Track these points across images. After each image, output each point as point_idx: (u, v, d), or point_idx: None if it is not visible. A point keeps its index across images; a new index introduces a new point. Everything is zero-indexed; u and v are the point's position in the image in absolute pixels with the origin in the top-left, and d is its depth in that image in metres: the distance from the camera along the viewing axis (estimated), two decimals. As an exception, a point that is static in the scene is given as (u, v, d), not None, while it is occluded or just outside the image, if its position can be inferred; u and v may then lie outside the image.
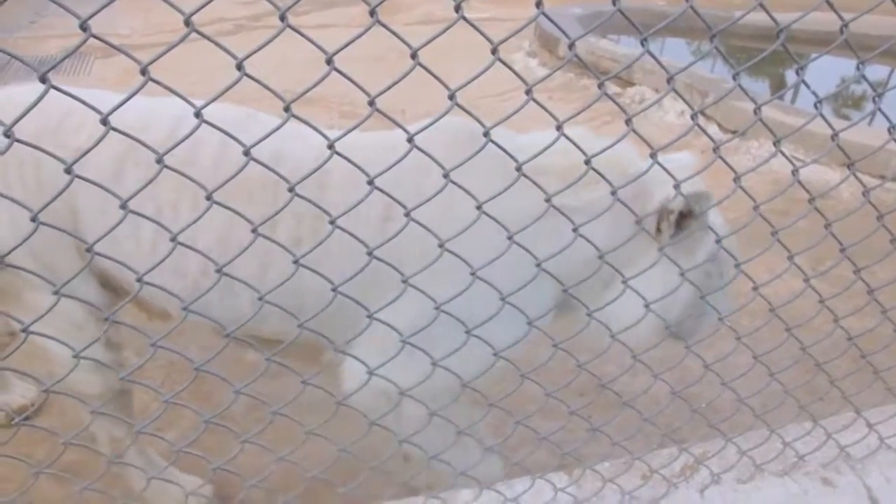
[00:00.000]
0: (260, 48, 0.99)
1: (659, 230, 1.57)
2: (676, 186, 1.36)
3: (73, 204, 1.60)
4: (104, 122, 0.95)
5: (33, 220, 0.96)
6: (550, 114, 1.22)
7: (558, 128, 1.24)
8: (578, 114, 1.29)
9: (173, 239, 1.06)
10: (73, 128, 1.58)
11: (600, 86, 1.19)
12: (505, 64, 1.16)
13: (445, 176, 1.15)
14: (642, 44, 1.18)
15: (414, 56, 1.10)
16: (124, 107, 0.98)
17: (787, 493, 1.68)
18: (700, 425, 1.81)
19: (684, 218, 1.56)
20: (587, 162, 1.23)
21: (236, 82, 0.99)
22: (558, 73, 5.69)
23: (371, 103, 1.08)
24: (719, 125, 4.89)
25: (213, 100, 0.99)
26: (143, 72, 0.96)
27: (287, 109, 1.04)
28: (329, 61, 0.99)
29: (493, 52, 1.12)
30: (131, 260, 1.46)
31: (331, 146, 1.07)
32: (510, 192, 1.22)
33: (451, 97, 1.13)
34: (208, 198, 1.04)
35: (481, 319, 1.34)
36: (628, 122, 1.27)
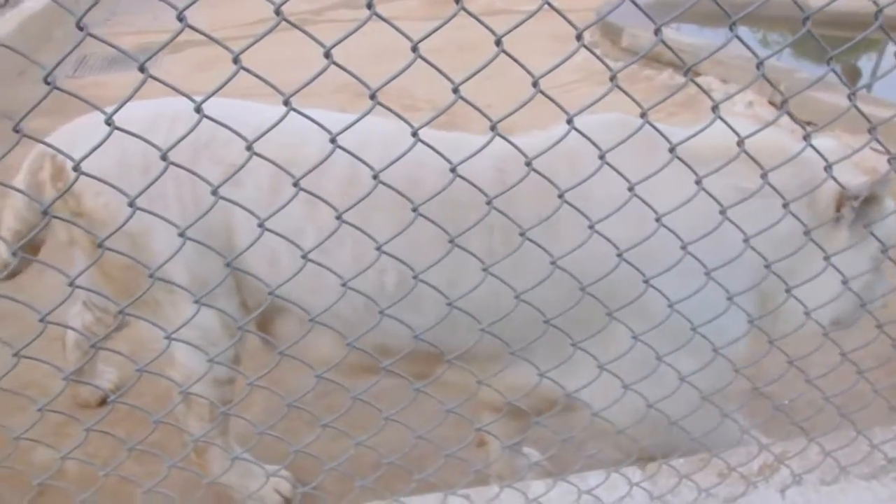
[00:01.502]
0: (347, 36, 1.00)
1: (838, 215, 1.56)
2: (828, 169, 1.35)
3: (228, 221, 1.59)
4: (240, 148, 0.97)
5: (181, 235, 1.00)
6: (635, 101, 1.20)
7: (643, 115, 1.21)
8: (662, 101, 1.26)
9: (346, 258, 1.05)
10: (226, 140, 1.56)
11: (686, 73, 1.16)
12: (590, 50, 1.14)
13: (630, 189, 1.18)
14: (732, 28, 1.15)
15: (499, 43, 1.09)
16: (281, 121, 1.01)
17: (875, 497, 1.61)
18: (780, 424, 1.75)
19: (864, 203, 1.55)
20: (739, 143, 1.21)
21: (323, 71, 1.01)
22: (620, 64, 5.59)
23: (455, 90, 1.08)
24: (790, 116, 4.72)
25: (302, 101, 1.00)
26: (236, 61, 0.98)
27: (373, 97, 1.05)
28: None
29: (578, 38, 1.11)
30: (292, 280, 1.43)
31: (529, 163, 1.11)
32: (704, 182, 1.22)
33: (535, 84, 1.12)
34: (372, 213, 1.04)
35: (709, 320, 1.37)
36: (715, 108, 1.24)
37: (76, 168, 0.89)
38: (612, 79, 1.17)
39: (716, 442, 1.64)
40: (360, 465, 1.75)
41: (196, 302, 1.12)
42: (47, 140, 0.96)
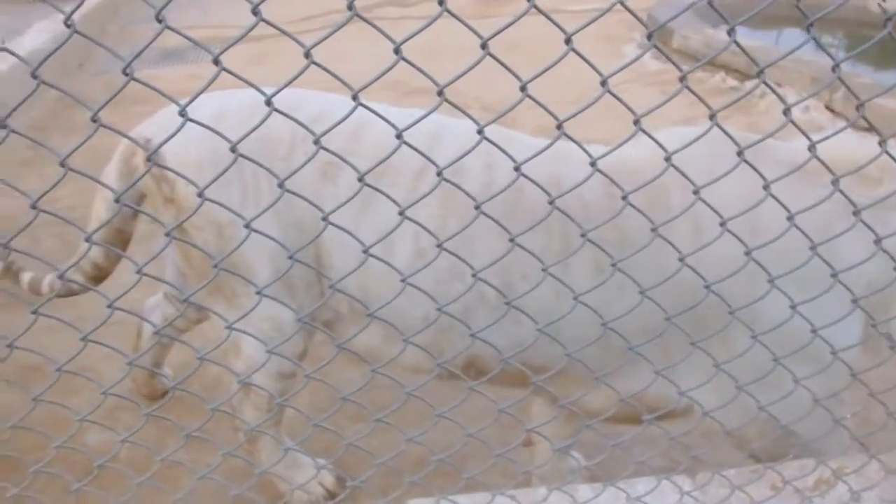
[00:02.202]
0: (418, 31, 1.00)
1: None
2: None
3: (320, 217, 1.58)
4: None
5: (246, 226, 1.01)
6: (706, 103, 1.17)
7: (712, 117, 1.19)
8: (731, 104, 1.23)
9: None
10: (325, 138, 1.55)
11: (681, 79, 1.14)
12: (659, 49, 1.12)
13: (764, 190, 1.18)
14: (809, 30, 1.12)
15: (568, 41, 1.08)
16: (379, 119, 1.01)
17: (938, 517, 1.55)
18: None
19: None
20: (811, 149, 1.20)
21: (392, 66, 1.01)
22: (671, 66, 5.51)
23: (523, 87, 1.07)
24: (867, 122, 4.59)
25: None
26: (307, 55, 0.99)
27: (440, 94, 1.05)
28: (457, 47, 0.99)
29: (649, 37, 1.09)
30: (379, 280, 1.44)
31: (662, 171, 1.12)
32: (809, 193, 1.22)
33: (604, 84, 1.10)
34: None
35: (822, 327, 1.37)
36: (786, 112, 1.21)
37: (148, 160, 0.91)
38: (682, 79, 1.16)
39: (825, 448, 1.62)
40: (405, 460, 1.75)
41: (258, 293, 1.14)
42: (141, 127, 0.98)
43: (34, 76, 0.97)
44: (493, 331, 1.33)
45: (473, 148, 1.07)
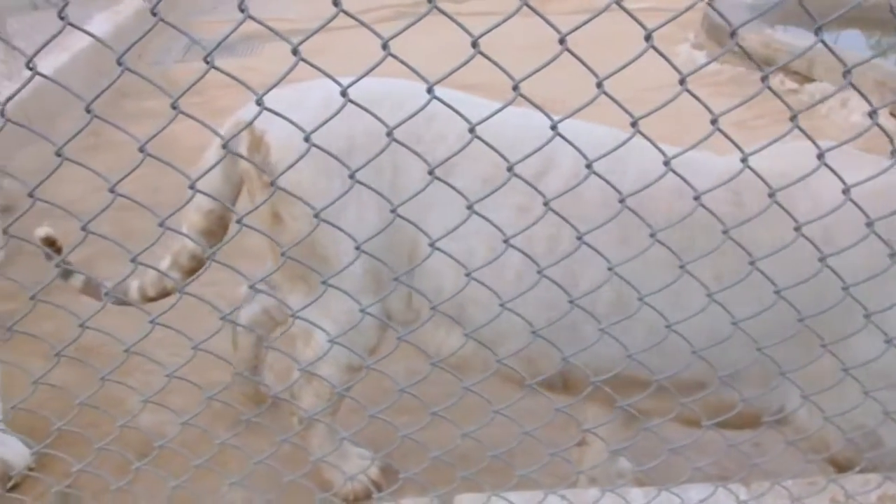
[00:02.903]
0: (497, 25, 1.00)
1: None
2: None
3: (423, 216, 1.53)
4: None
5: (346, 216, 0.99)
6: (786, 104, 1.14)
7: (713, 121, 1.16)
8: (807, 108, 1.20)
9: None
10: (438, 135, 1.49)
11: (763, 79, 1.12)
12: (742, 48, 1.09)
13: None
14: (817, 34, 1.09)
15: (649, 38, 1.06)
16: (498, 120, 1.01)
17: None
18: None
19: None
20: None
21: (469, 60, 1.01)
22: (727, 66, 5.38)
23: (599, 84, 1.06)
24: None
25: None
26: (385, 46, 0.99)
27: (515, 89, 1.04)
28: (475, 45, 0.98)
29: (732, 34, 1.07)
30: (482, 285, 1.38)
31: (773, 194, 1.11)
32: None
33: (682, 82, 1.08)
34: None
35: None
36: (872, 114, 1.17)
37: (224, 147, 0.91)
38: (764, 79, 1.13)
39: None
40: (452, 455, 1.75)
41: (323, 282, 1.14)
42: (242, 111, 0.98)
43: (119, 63, 1.00)
44: (599, 343, 1.31)
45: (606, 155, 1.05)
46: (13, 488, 2.01)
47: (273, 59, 6.06)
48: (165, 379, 1.32)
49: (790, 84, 5.11)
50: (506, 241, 1.05)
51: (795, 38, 5.59)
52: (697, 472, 1.62)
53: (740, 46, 1.06)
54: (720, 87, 5.24)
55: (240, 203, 1.92)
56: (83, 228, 1.12)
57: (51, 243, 1.77)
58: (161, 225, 1.11)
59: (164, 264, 1.98)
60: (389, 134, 1.04)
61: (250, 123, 1.50)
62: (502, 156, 1.07)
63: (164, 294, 1.98)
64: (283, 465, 1.90)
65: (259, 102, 1.00)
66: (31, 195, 1.09)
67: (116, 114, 5.10)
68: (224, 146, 1.02)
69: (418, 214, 1.48)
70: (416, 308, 1.69)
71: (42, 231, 1.73)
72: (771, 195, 1.14)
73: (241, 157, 1.55)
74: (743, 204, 1.42)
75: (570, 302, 1.14)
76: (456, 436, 1.43)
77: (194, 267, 1.96)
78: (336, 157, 1.11)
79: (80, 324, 1.24)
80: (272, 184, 1.06)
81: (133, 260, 1.15)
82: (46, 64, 4.64)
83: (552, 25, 0.99)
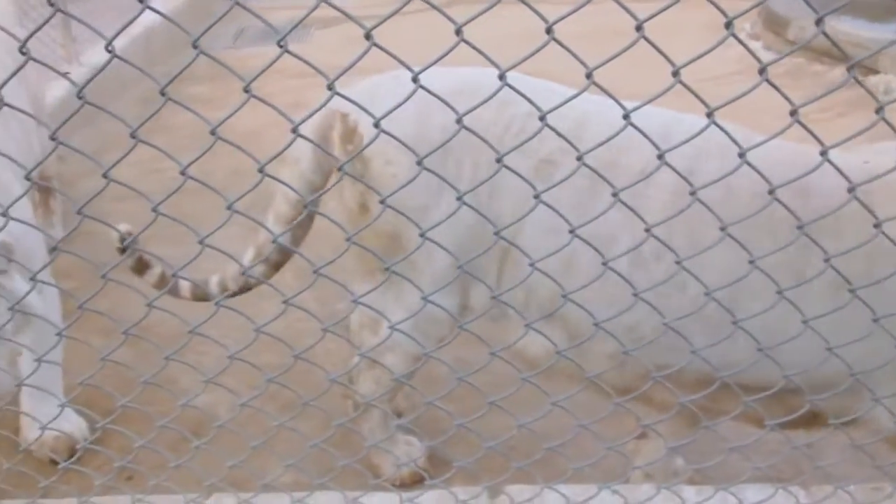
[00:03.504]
0: (568, 14, 0.98)
1: None
2: None
3: (522, 213, 1.47)
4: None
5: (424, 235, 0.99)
6: (786, 97, 1.10)
7: (792, 113, 1.11)
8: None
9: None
10: (541, 133, 1.50)
11: (850, 69, 1.06)
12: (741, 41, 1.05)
13: None
14: None
15: (729, 25, 1.03)
16: (608, 116, 0.98)
17: None
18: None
19: None
20: None
21: (540, 47, 0.99)
22: (786, 58, 5.23)
23: (676, 73, 1.03)
24: None
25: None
26: (458, 32, 0.98)
27: (588, 77, 1.02)
28: (549, 30, 0.96)
29: (727, 26, 1.04)
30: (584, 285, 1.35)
31: (852, 189, 1.08)
32: None
33: (763, 70, 1.05)
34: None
35: None
36: (879, 110, 1.12)
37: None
38: (762, 71, 1.08)
39: None
40: (505, 445, 1.74)
41: (386, 269, 1.14)
42: (338, 99, 0.97)
43: (195, 46, 1.01)
44: (705, 347, 1.28)
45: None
46: (74, 461, 2.07)
47: (322, 47, 6.08)
48: (219, 359, 1.35)
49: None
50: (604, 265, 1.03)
51: (858, 29, 5.39)
52: (754, 473, 1.59)
53: (827, 37, 1.01)
54: (777, 79, 5.04)
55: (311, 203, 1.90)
56: (154, 210, 1.14)
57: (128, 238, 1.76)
58: (229, 208, 1.12)
59: (247, 257, 1.92)
60: (459, 121, 1.03)
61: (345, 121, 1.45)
62: (572, 144, 1.05)
63: (247, 289, 1.92)
64: (336, 448, 1.92)
65: (330, 87, 0.99)
66: (105, 176, 1.11)
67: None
68: (294, 130, 1.02)
69: (516, 211, 1.45)
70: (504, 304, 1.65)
71: (123, 227, 1.71)
72: (850, 190, 1.10)
73: (315, 142, 1.52)
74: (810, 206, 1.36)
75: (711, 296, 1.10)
76: (507, 426, 1.42)
77: (280, 261, 1.89)
78: (406, 143, 1.10)
79: (148, 303, 1.27)
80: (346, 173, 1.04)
81: (201, 242, 1.16)
82: (103, 48, 4.74)
83: (630, 13, 0.97)
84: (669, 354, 1.34)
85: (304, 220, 1.85)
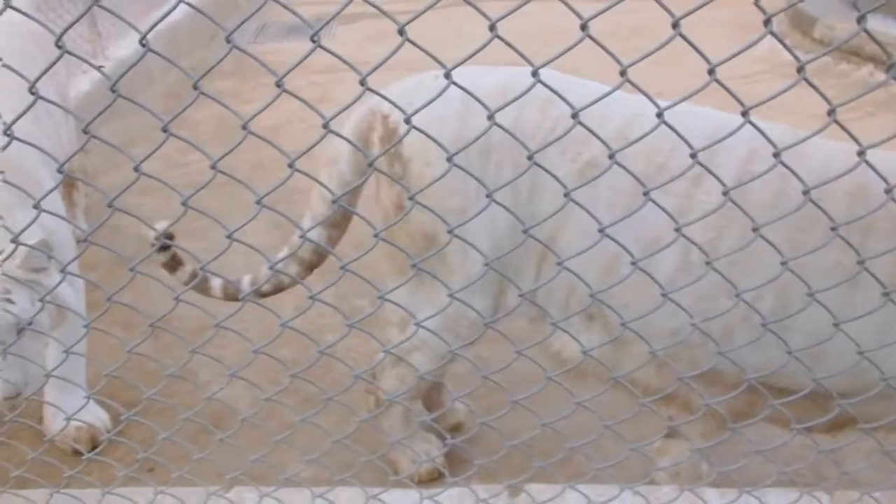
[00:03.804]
0: (606, 9, 0.97)
1: None
2: None
3: (564, 217, 1.44)
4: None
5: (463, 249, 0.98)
6: (825, 97, 1.07)
7: (830, 112, 1.09)
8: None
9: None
10: (587, 136, 1.47)
11: (890, 68, 1.04)
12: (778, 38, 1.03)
13: None
14: None
15: (767, 22, 1.02)
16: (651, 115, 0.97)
17: None
18: None
19: None
20: None
21: (578, 42, 0.98)
22: (812, 56, 5.16)
23: (711, 70, 1.01)
24: None
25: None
26: (492, 28, 0.97)
27: (623, 74, 1.01)
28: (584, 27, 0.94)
29: (766, 23, 1.02)
30: (631, 288, 1.35)
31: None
32: None
33: (801, 70, 1.03)
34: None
35: None
36: None
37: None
38: (800, 70, 1.06)
39: None
40: (548, 445, 1.73)
41: (413, 265, 1.14)
42: (376, 100, 0.96)
43: (228, 41, 1.01)
44: (749, 351, 1.26)
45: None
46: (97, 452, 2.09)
47: (345, 43, 6.09)
48: (239, 353, 1.36)
49: (880, 76, 4.86)
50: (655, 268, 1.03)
51: (890, 28, 5.31)
52: (775, 477, 1.57)
53: (870, 36, 0.99)
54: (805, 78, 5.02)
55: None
56: (183, 203, 1.14)
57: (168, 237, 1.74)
58: (258, 202, 1.13)
59: (281, 256, 1.91)
60: (491, 117, 1.02)
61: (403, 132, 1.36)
62: (604, 141, 1.04)
63: (280, 289, 1.91)
64: (357, 443, 1.92)
65: (363, 83, 0.99)
66: (136, 169, 1.11)
67: (190, 93, 5.21)
68: (325, 126, 1.02)
69: (560, 215, 1.40)
70: (542, 305, 1.63)
71: (160, 225, 1.70)
72: (888, 191, 1.07)
73: (348, 138, 1.49)
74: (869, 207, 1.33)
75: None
76: (529, 425, 1.41)
77: (315, 262, 1.88)
78: (443, 146, 1.09)
79: (175, 297, 1.27)
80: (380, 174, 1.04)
81: (229, 237, 1.17)
82: (128, 42, 4.78)
83: (667, 10, 0.95)
84: (713, 357, 1.32)
85: (340, 220, 1.84)
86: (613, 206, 1.13)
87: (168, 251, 1.79)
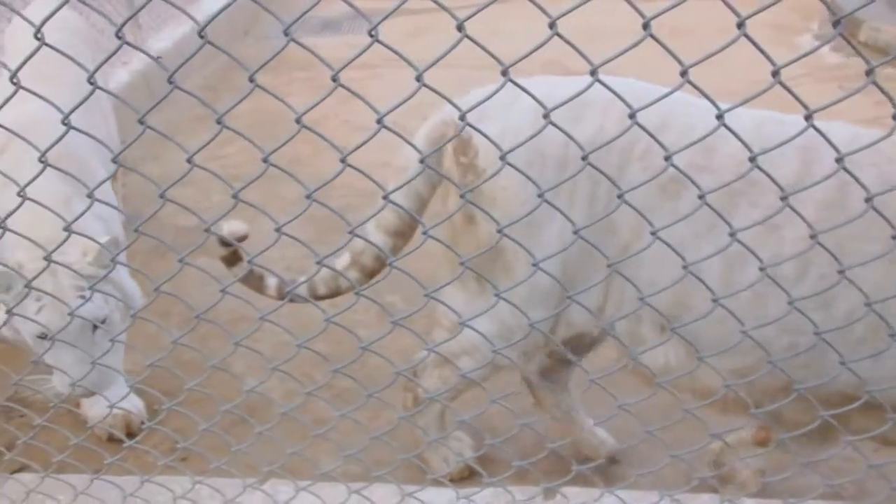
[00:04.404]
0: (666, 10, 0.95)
1: None
2: None
3: (643, 229, 1.39)
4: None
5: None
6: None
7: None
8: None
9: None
10: (668, 146, 1.40)
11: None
12: (852, 44, 1.00)
13: None
14: None
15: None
16: (749, 126, 0.96)
17: None
18: None
19: None
20: None
21: (640, 42, 0.96)
22: (853, 60, 5.05)
23: (776, 73, 0.99)
24: None
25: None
26: (552, 25, 0.96)
27: (683, 74, 0.99)
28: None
29: (835, 25, 0.99)
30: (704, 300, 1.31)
31: None
32: None
33: (776, 74, 0.99)
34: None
35: None
36: None
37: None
38: (869, 73, 1.02)
39: None
40: (527, 445, 1.71)
41: (478, 275, 1.11)
42: (447, 109, 0.92)
43: (285, 33, 1.01)
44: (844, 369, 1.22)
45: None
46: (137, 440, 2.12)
47: (384, 39, 6.09)
48: (274, 345, 1.36)
49: (924, 81, 4.75)
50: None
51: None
52: (820, 490, 1.53)
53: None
54: (844, 82, 4.93)
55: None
56: (234, 196, 1.15)
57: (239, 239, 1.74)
58: (308, 197, 1.13)
59: (342, 262, 1.91)
60: (546, 116, 1.00)
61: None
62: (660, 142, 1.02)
63: (337, 293, 1.90)
64: (387, 440, 1.92)
65: (419, 79, 0.99)
66: (189, 161, 1.12)
67: (227, 87, 5.26)
68: (379, 122, 1.01)
69: (636, 225, 1.40)
70: (609, 319, 1.61)
71: (232, 226, 1.71)
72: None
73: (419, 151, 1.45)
74: None
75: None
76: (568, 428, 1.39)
77: (376, 269, 1.85)
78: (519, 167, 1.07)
79: (222, 289, 1.28)
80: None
81: (278, 230, 1.17)
82: (167, 35, 4.84)
83: (733, 10, 0.93)
84: (802, 371, 1.29)
85: (405, 230, 1.82)
86: (697, 218, 1.09)
87: (230, 246, 1.79)
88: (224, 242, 1.75)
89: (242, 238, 1.71)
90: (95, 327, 1.89)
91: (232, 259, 1.86)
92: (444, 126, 1.67)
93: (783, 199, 1.08)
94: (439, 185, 1.73)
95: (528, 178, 1.11)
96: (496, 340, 1.51)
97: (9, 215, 1.26)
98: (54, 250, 1.31)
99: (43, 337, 1.85)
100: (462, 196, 1.16)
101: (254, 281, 1.86)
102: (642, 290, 1.20)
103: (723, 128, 0.97)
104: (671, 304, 1.38)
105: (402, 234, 1.83)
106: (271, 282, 1.90)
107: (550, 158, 1.39)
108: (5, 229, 1.26)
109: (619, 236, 1.30)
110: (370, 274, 1.86)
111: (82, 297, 1.81)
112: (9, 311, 1.51)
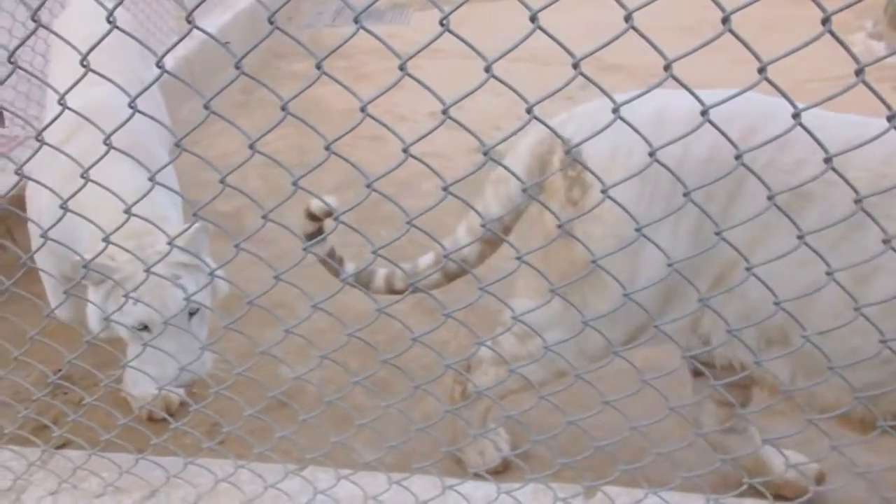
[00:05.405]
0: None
1: None
2: None
3: (753, 248, 1.38)
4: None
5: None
6: None
7: None
8: None
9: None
10: (795, 162, 1.32)
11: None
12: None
13: None
14: None
15: (826, 22, 0.95)
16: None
17: None
18: None
19: None
20: None
21: (619, 35, 0.94)
22: (905, 61, 4.92)
23: (762, 69, 0.95)
24: None
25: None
26: (627, 19, 0.94)
27: (761, 71, 0.96)
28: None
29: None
30: (826, 314, 1.29)
31: None
32: None
33: (859, 73, 0.95)
34: None
35: None
36: None
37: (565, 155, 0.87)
38: None
39: None
40: (575, 444, 1.70)
41: (551, 290, 1.11)
42: (559, 119, 0.90)
43: (356, 21, 1.00)
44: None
45: None
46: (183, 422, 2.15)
47: (420, 29, 6.10)
48: (310, 332, 1.36)
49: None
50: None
51: None
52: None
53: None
54: (895, 81, 4.80)
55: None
56: (294, 183, 1.14)
57: (325, 215, 1.76)
58: (368, 186, 1.12)
59: (427, 261, 1.90)
60: (652, 154, 0.98)
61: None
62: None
63: (410, 291, 1.89)
64: (430, 432, 1.92)
65: (488, 70, 0.97)
66: (251, 147, 1.12)
67: (268, 74, 5.30)
68: (444, 112, 1.00)
69: (750, 242, 1.37)
70: (705, 333, 1.57)
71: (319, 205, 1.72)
72: None
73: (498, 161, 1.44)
74: None
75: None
76: (616, 427, 1.38)
77: (459, 273, 1.82)
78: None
79: (276, 276, 1.28)
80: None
81: (336, 218, 1.16)
82: (210, 22, 4.88)
83: (718, 4, 0.90)
84: None
85: (498, 239, 1.76)
86: (822, 235, 1.05)
87: (318, 220, 1.80)
88: (312, 216, 1.77)
89: (328, 214, 1.71)
90: (191, 314, 1.90)
91: (313, 235, 1.84)
92: (550, 139, 1.60)
93: (857, 201, 1.04)
94: (540, 194, 1.67)
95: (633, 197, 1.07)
96: (567, 351, 1.47)
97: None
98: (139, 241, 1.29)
99: (142, 328, 1.86)
100: (559, 226, 1.13)
101: (328, 266, 1.86)
102: (754, 305, 1.16)
103: (850, 144, 0.93)
104: (785, 320, 1.34)
105: (492, 242, 1.80)
106: (349, 267, 1.90)
107: (663, 176, 1.30)
108: (102, 230, 1.26)
109: (728, 251, 1.26)
110: (452, 277, 1.84)
111: (180, 285, 1.83)
112: (66, 292, 1.53)
